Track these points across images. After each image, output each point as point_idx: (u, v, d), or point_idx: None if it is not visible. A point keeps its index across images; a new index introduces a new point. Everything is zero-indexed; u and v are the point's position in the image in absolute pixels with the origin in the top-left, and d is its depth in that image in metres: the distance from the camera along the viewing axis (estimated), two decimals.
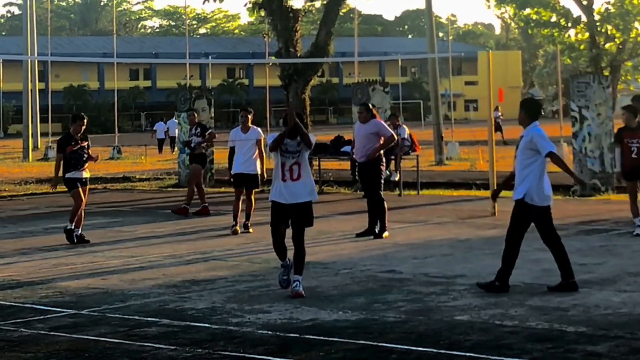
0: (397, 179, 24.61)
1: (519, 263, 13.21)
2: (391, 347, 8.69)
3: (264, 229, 17.30)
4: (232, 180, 18.12)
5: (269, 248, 15.22)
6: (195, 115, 21.61)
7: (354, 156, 18.08)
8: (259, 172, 17.48)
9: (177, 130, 35.69)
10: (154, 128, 56.33)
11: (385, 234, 16.17)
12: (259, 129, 17.64)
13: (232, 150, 17.68)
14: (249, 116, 17.60)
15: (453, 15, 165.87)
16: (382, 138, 16.19)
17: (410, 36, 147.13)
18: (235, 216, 17.37)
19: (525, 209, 11.31)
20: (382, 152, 16.38)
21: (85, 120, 16.55)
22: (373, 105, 23.19)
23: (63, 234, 16.41)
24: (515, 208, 11.39)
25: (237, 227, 17.25)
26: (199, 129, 20.89)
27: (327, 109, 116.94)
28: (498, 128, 50.09)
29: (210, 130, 21.54)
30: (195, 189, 20.45)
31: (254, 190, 17.63)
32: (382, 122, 16.93)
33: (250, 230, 17.20)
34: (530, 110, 11.94)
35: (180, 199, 22.08)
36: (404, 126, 25.04)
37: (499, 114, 52.99)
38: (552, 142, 11.71)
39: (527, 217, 11.37)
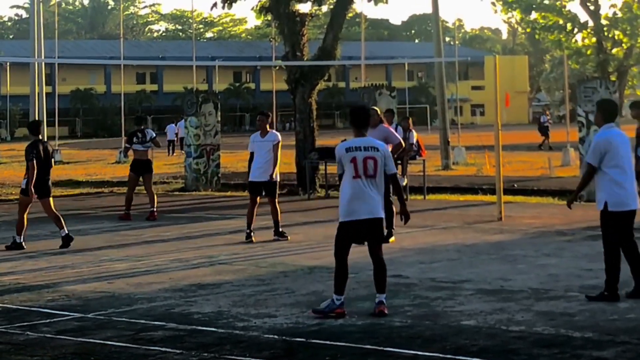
0: (405, 183, 24.58)
1: (526, 268, 13.22)
2: (397, 351, 8.68)
3: (269, 233, 17.32)
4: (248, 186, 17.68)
5: (275, 252, 15.27)
6: None
7: None
8: (275, 178, 16.84)
9: (184, 132, 35.82)
10: (165, 131, 57.37)
11: (392, 238, 16.13)
12: (277, 133, 17.08)
13: (251, 156, 17.12)
14: (266, 119, 17.25)
15: (460, 20, 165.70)
16: (391, 145, 16.03)
17: (417, 41, 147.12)
18: (249, 223, 16.74)
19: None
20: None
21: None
22: (391, 111, 23.26)
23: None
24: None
25: (253, 237, 16.66)
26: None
27: (334, 114, 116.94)
28: (545, 132, 49.85)
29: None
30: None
31: (276, 197, 16.90)
32: (390, 128, 16.82)
33: (288, 237, 16.64)
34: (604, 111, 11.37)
35: (187, 203, 22.09)
36: (414, 131, 25.01)
37: (547, 118, 52.61)
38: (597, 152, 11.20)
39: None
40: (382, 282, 10.42)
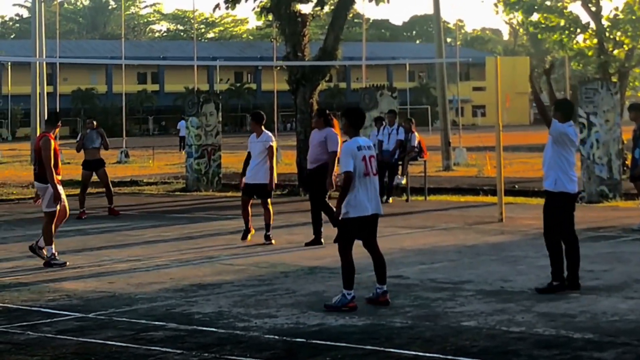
0: (403, 182, 24.60)
1: (526, 269, 13.22)
2: (398, 352, 8.69)
3: (273, 232, 17.32)
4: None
5: (276, 253, 15.27)
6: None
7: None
8: (268, 180, 16.57)
9: (185, 132, 35.95)
10: (178, 127, 60.45)
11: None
12: (270, 134, 16.98)
13: (248, 156, 17.10)
14: (258, 121, 17.07)
15: (461, 21, 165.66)
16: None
17: (418, 41, 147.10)
18: (246, 222, 16.72)
19: None
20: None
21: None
22: (392, 112, 23.13)
23: (70, 237, 16.41)
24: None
25: (249, 236, 16.65)
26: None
27: (335, 114, 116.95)
28: None
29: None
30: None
31: (268, 199, 16.71)
32: (336, 134, 16.13)
33: (273, 241, 16.36)
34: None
35: (188, 203, 22.11)
36: (416, 133, 25.01)
37: None
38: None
39: None
40: (384, 274, 10.98)
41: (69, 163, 43.59)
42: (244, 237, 16.70)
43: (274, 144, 16.77)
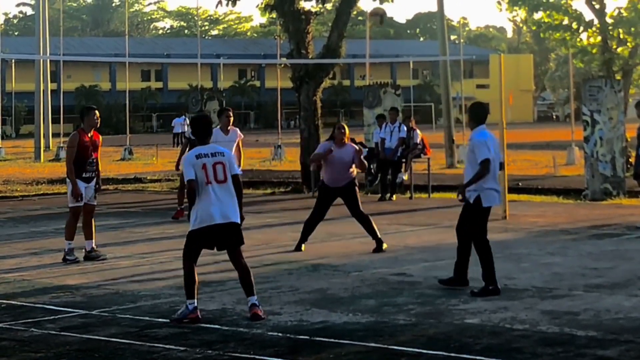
0: (405, 178, 24.59)
1: (530, 267, 13.22)
2: (401, 350, 8.69)
3: (273, 230, 17.34)
4: None
5: (279, 250, 15.27)
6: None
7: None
8: None
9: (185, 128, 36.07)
10: (173, 124, 62.44)
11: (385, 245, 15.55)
12: (238, 130, 17.04)
13: None
14: (230, 117, 16.98)
15: (465, 18, 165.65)
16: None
17: (422, 39, 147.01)
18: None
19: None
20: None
21: None
22: (395, 109, 23.04)
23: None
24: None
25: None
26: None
27: (338, 112, 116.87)
28: None
29: None
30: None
31: None
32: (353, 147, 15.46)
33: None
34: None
35: None
36: (417, 130, 25.02)
37: None
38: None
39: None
40: (251, 285, 10.27)
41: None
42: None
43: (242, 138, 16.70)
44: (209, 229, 10.16)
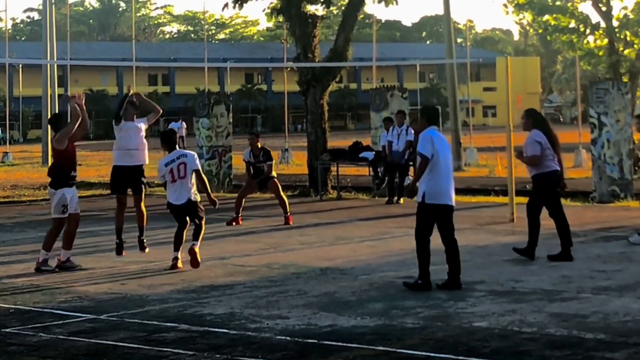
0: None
1: (538, 270, 13.20)
2: (410, 353, 8.69)
3: (280, 234, 17.34)
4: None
5: (287, 253, 15.28)
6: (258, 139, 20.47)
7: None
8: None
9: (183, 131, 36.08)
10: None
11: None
12: (144, 119, 16.52)
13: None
14: (134, 109, 16.46)
15: (471, 21, 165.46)
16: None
17: (428, 42, 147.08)
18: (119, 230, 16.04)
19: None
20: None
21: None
22: (402, 112, 23.03)
23: (81, 239, 16.42)
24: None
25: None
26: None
27: (345, 115, 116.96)
28: None
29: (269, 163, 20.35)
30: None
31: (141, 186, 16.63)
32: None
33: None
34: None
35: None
36: None
37: None
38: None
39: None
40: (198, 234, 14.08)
41: (80, 165, 43.59)
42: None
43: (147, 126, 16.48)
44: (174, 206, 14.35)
